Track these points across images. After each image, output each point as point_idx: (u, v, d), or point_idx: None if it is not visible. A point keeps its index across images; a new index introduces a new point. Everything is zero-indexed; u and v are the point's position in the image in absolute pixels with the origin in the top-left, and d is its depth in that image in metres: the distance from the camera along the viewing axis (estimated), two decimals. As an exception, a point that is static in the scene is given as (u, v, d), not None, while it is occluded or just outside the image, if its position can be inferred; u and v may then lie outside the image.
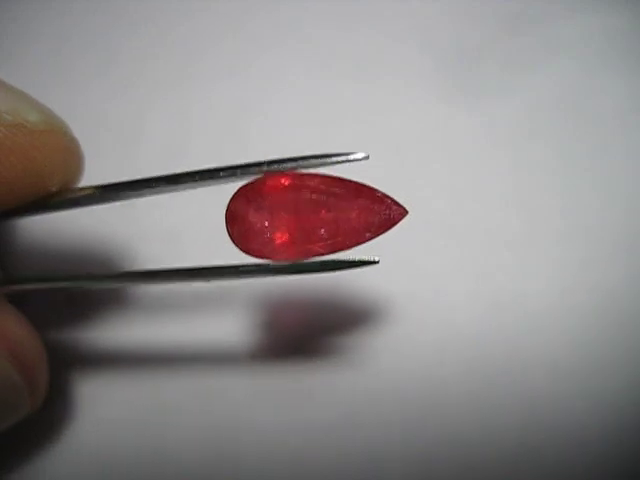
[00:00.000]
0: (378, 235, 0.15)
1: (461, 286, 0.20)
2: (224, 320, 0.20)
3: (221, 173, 0.15)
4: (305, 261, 0.15)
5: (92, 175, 0.16)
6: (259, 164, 0.15)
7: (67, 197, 0.16)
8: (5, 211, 0.15)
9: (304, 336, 0.19)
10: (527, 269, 0.20)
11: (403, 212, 0.15)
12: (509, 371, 0.18)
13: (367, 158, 0.15)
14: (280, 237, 0.15)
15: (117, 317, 0.20)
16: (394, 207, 0.15)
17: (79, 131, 0.16)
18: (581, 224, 0.20)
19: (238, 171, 0.15)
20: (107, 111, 0.22)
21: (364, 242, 0.15)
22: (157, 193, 0.15)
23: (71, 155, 0.16)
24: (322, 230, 0.15)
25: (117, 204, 0.16)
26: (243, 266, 0.15)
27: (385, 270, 0.19)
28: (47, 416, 0.19)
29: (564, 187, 0.21)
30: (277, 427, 0.18)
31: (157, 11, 0.23)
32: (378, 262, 0.15)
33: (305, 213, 0.15)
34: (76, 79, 0.23)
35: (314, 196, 0.15)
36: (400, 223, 0.15)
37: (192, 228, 0.20)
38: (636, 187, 0.21)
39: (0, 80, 0.15)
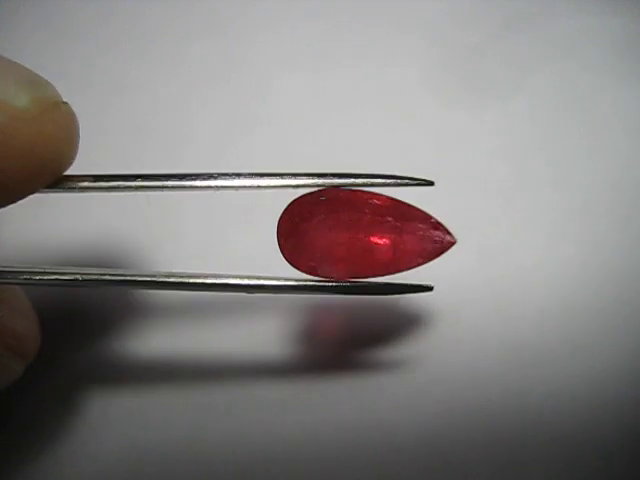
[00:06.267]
0: (429, 261, 0.15)
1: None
2: (258, 328, 0.18)
3: (273, 183, 0.14)
4: (358, 282, 0.15)
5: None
6: (317, 175, 0.14)
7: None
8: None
9: (339, 345, 0.19)
10: (515, 221, 0.20)
11: (453, 241, 0.15)
12: (495, 323, 0.18)
13: (432, 184, 0.14)
14: (334, 254, 0.14)
15: (141, 323, 0.19)
16: (446, 235, 0.15)
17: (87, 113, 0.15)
18: (569, 177, 0.20)
19: (292, 182, 0.14)
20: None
21: (415, 267, 0.15)
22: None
23: (70, 128, 0.13)
24: (376, 251, 0.14)
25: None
26: (288, 280, 0.14)
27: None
28: (56, 424, 0.18)
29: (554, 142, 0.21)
30: (312, 440, 0.17)
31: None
32: (432, 289, 0.15)
33: (361, 232, 0.14)
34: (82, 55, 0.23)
35: (371, 217, 0.14)
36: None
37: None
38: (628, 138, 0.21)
39: None
